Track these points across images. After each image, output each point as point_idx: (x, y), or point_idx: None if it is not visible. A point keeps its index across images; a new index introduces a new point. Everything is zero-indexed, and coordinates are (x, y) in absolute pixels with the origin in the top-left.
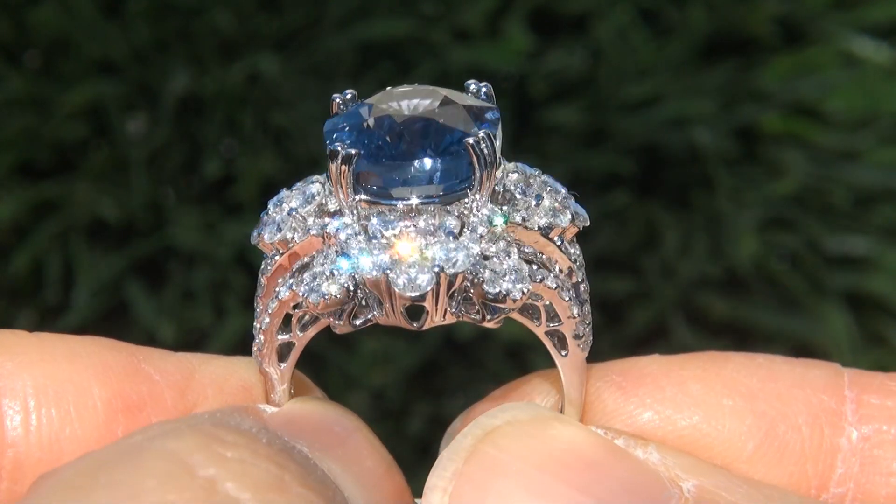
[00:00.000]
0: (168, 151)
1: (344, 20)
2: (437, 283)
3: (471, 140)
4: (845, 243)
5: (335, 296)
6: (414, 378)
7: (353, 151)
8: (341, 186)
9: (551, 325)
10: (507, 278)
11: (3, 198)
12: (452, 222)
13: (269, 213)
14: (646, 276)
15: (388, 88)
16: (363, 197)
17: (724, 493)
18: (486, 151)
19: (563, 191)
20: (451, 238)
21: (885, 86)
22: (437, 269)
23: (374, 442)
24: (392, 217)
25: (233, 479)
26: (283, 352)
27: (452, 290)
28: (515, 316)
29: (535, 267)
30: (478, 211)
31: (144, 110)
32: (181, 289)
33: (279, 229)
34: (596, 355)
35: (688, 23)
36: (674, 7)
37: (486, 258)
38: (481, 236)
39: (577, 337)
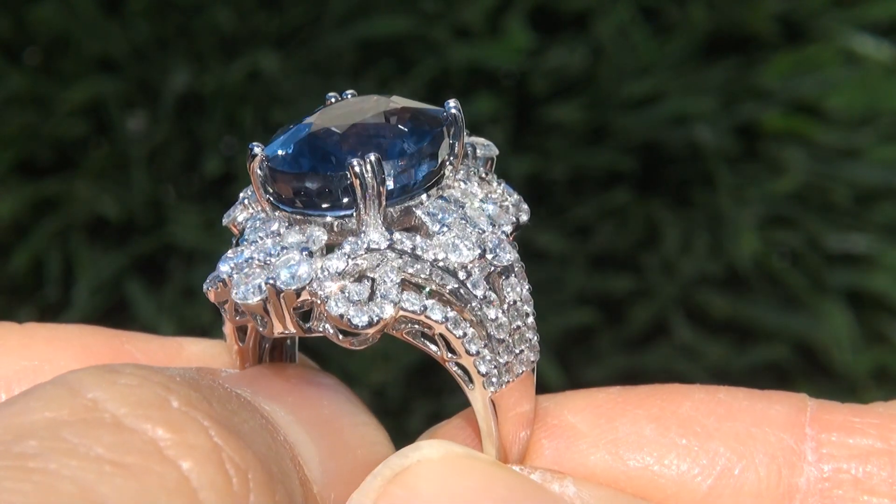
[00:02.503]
0: (168, 149)
1: (344, 18)
2: (277, 296)
3: (354, 162)
4: (846, 241)
5: (216, 289)
6: (414, 376)
7: (257, 152)
8: (253, 184)
9: (451, 356)
10: (368, 303)
11: (4, 195)
12: (316, 237)
13: (240, 195)
14: (646, 273)
15: (345, 97)
16: (269, 198)
17: None
18: (367, 177)
19: (491, 229)
20: (302, 252)
21: (885, 84)
22: (270, 282)
23: (345, 396)
24: (271, 224)
25: (115, 398)
26: (241, 332)
27: (296, 304)
28: (407, 339)
29: (423, 296)
30: (361, 232)
31: (145, 108)
32: (181, 286)
33: (229, 214)
34: (597, 354)
35: (688, 20)
36: (674, 5)
37: (359, 279)
38: (348, 255)
39: (481, 374)
